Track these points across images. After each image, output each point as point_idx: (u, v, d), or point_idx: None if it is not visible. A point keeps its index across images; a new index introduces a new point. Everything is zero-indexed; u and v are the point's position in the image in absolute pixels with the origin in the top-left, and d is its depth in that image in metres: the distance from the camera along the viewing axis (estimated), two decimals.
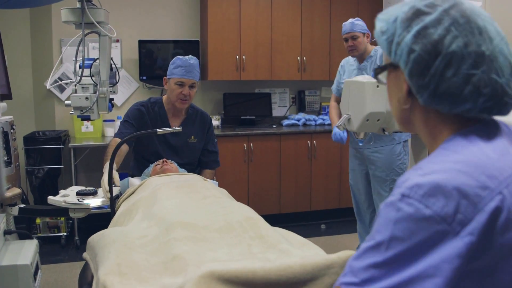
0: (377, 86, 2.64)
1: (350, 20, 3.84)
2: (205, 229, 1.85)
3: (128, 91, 5.45)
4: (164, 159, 3.02)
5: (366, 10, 5.71)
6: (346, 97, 2.82)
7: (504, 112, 1.02)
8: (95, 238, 1.97)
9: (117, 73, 2.63)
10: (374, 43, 3.93)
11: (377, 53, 3.76)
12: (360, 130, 2.75)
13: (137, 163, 3.28)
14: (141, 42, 5.30)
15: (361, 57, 3.88)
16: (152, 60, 5.38)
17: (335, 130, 3.68)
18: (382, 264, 0.90)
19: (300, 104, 6.04)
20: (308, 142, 5.35)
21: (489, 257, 0.89)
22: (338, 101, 3.88)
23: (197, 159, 3.34)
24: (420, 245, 0.87)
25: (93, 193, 2.63)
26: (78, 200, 2.54)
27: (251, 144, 5.15)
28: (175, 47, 5.41)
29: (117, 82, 2.64)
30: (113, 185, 2.48)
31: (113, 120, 5.20)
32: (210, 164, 3.37)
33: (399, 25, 1.03)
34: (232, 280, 1.33)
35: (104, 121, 5.18)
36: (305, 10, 5.59)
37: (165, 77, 3.23)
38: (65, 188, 2.80)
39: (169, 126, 3.13)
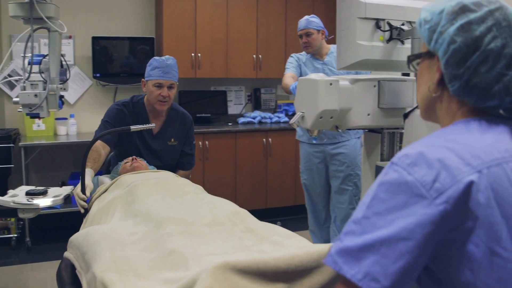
0: (331, 84, 2.66)
1: (306, 17, 3.88)
2: (194, 224, 1.87)
3: (81, 89, 5.35)
4: (134, 157, 2.99)
5: (322, 9, 5.76)
6: (300, 94, 2.84)
7: None
8: (79, 237, 1.95)
9: (67, 70, 2.58)
10: (329, 41, 3.98)
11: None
12: (313, 128, 2.77)
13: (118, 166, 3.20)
14: (94, 39, 5.21)
15: (319, 54, 3.90)
16: (106, 57, 5.30)
17: None
18: (361, 220, 0.99)
19: (256, 102, 6.05)
20: (264, 140, 5.37)
21: (464, 230, 0.96)
22: (294, 78, 3.88)
23: (177, 161, 3.30)
24: (398, 207, 0.96)
25: (43, 193, 2.58)
26: (28, 200, 2.48)
27: (207, 142, 5.14)
28: (130, 44, 5.34)
29: (67, 79, 2.58)
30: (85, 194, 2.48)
31: (66, 118, 5.10)
32: (185, 166, 3.35)
33: (444, 16, 1.11)
34: (244, 270, 1.37)
35: (57, 119, 5.07)
36: (261, 8, 5.60)
37: (143, 79, 3.16)
38: (14, 188, 2.73)
39: (151, 129, 3.08)
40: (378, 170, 2.74)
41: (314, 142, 3.50)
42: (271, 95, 6.05)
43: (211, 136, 5.17)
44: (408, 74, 2.69)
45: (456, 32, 1.08)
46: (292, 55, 4.13)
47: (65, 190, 2.67)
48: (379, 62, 2.71)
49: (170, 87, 3.07)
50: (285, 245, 1.64)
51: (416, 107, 2.58)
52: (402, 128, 2.66)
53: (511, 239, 0.97)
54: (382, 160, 2.86)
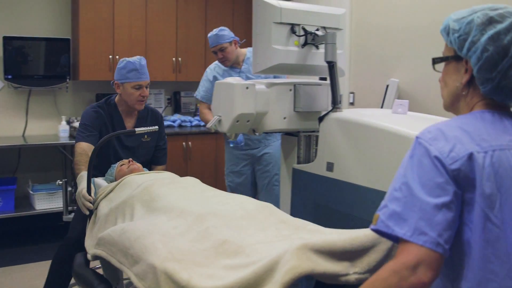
0: (247, 88, 2.68)
1: (214, 31, 3.81)
2: (231, 218, 1.96)
3: None
4: (130, 159, 3.05)
5: (241, 12, 5.79)
6: (217, 98, 2.84)
7: None
8: (113, 235, 2.01)
9: None
10: (243, 45, 3.98)
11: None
12: (230, 131, 2.77)
13: (98, 165, 3.11)
14: (6, 39, 4.98)
15: (237, 62, 3.90)
16: (19, 58, 5.06)
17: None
18: (400, 187, 1.23)
19: (175, 105, 6.00)
20: (184, 143, 5.33)
21: (469, 194, 1.20)
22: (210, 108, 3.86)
23: (151, 157, 3.34)
24: (426, 172, 1.20)
25: None
26: None
27: None
28: (45, 45, 5.14)
29: None
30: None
31: None
32: (161, 160, 3.40)
33: (474, 27, 1.29)
34: (320, 250, 1.54)
35: None
36: (181, 11, 5.56)
37: (116, 81, 3.16)
38: None
39: (125, 127, 3.16)
40: (295, 172, 2.78)
41: (231, 145, 3.51)
42: (191, 98, 6.01)
43: None
44: (325, 79, 2.74)
45: (488, 42, 1.27)
46: (208, 70, 4.04)
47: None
48: (294, 66, 2.76)
49: (146, 86, 3.17)
50: (324, 232, 1.79)
51: (331, 111, 2.64)
52: (318, 131, 2.72)
53: (500, 210, 1.21)
54: (298, 163, 2.90)
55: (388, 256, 1.60)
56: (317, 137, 2.74)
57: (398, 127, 2.29)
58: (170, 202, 2.20)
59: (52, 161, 5.35)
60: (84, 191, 2.55)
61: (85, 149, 2.91)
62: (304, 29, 2.72)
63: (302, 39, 2.73)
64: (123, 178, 2.73)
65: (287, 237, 1.79)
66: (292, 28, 2.69)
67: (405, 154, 2.15)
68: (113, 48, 5.24)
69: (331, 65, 2.60)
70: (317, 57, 2.78)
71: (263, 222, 1.93)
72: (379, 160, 2.33)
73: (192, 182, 2.58)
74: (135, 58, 3.10)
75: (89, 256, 2.22)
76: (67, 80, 5.19)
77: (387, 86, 4.08)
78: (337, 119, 2.57)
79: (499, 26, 1.27)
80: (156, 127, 2.78)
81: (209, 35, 3.80)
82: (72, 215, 3.17)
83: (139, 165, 3.05)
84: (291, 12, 2.68)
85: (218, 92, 2.82)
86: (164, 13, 5.48)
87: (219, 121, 2.78)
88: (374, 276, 1.22)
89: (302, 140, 2.90)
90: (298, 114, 2.84)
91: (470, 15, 1.32)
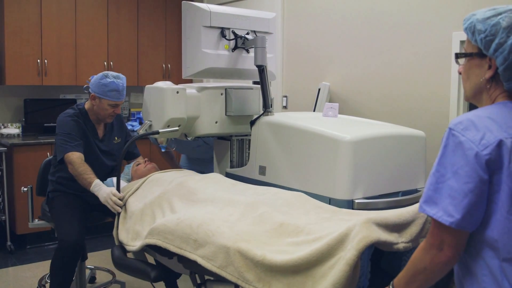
0: (177, 92, 2.65)
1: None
2: (274, 205, 2.15)
3: None
4: (146, 159, 3.28)
5: (174, 15, 5.73)
6: (147, 103, 2.80)
7: None
8: (169, 225, 2.19)
9: None
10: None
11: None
12: (162, 136, 2.74)
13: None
14: None
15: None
16: None
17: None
18: (435, 174, 1.39)
19: None
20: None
21: (498, 175, 1.34)
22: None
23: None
24: (457, 160, 1.35)
25: None
26: None
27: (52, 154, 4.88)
28: None
29: None
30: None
31: None
32: (137, 152, 3.49)
33: (501, 30, 1.40)
34: (379, 223, 1.78)
35: None
36: (112, 14, 5.45)
37: (93, 93, 3.06)
38: None
39: (97, 134, 3.22)
40: (228, 177, 2.77)
41: (163, 150, 3.46)
42: (124, 103, 5.90)
43: None
44: (258, 83, 2.74)
45: None
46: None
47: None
48: (225, 70, 2.75)
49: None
50: (359, 214, 1.96)
51: (262, 114, 2.65)
52: (250, 135, 2.72)
53: None
54: (232, 167, 2.90)
55: (423, 229, 1.89)
56: (249, 141, 2.74)
57: (328, 129, 2.32)
58: (212, 194, 2.39)
59: None
60: (115, 190, 2.70)
61: (80, 158, 2.96)
62: (234, 33, 2.72)
63: (232, 43, 2.72)
64: (148, 176, 2.85)
65: (329, 219, 1.99)
66: (222, 32, 2.68)
67: (335, 156, 2.20)
68: (41, 52, 5.07)
69: (261, 69, 2.61)
70: (248, 61, 2.79)
71: (302, 208, 2.13)
72: (309, 162, 2.35)
73: (219, 177, 2.69)
74: (119, 80, 3.07)
75: (133, 248, 2.41)
76: None
77: (319, 89, 4.14)
78: (268, 122, 2.58)
79: None
80: (177, 128, 2.75)
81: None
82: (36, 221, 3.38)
83: (154, 164, 3.23)
84: (221, 15, 2.67)
85: (148, 96, 2.77)
86: (94, 16, 5.35)
87: (150, 126, 2.75)
88: (412, 257, 1.45)
89: (234, 144, 2.90)
90: (230, 118, 2.84)
91: (494, 17, 1.43)
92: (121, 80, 3.09)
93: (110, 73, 3.08)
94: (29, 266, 4.28)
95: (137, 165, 3.24)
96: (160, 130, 2.64)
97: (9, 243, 4.65)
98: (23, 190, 3.45)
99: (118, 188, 2.73)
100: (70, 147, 2.98)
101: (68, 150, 2.97)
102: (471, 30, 1.47)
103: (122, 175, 3.16)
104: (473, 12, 1.49)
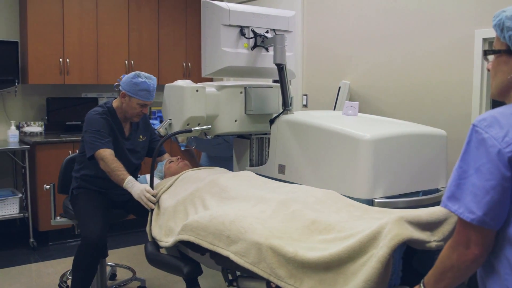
0: (197, 91, 2.66)
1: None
2: (306, 203, 2.15)
3: None
4: (178, 157, 3.33)
5: (195, 13, 5.74)
6: (167, 102, 2.82)
7: None
8: (202, 221, 2.21)
9: None
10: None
11: None
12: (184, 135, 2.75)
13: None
14: None
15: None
16: None
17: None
18: (458, 170, 1.38)
19: None
20: None
21: None
22: None
23: (146, 152, 3.46)
24: (480, 157, 1.33)
25: None
26: None
27: (77, 151, 4.93)
28: None
29: None
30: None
31: None
32: (163, 150, 3.53)
33: None
34: (411, 221, 1.79)
35: None
36: (132, 13, 5.49)
37: (123, 91, 3.10)
38: None
39: (123, 132, 3.25)
40: None
41: (182, 149, 3.47)
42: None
43: None
44: (278, 81, 2.74)
45: None
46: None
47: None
48: (244, 69, 2.75)
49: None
50: (392, 212, 1.97)
51: (281, 113, 2.65)
52: (269, 134, 2.72)
53: None
54: (251, 165, 2.90)
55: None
56: (269, 139, 2.74)
57: (348, 128, 2.31)
58: (244, 192, 2.40)
59: (1, 168, 5.20)
60: (148, 187, 2.74)
61: (113, 154, 3.00)
62: (253, 31, 2.71)
63: (251, 41, 2.72)
64: (181, 173, 2.89)
65: (360, 217, 2.01)
66: (242, 30, 2.68)
67: (354, 155, 2.18)
68: (63, 51, 5.12)
69: (280, 67, 2.60)
70: (267, 59, 2.78)
71: (334, 206, 2.14)
72: (329, 161, 2.34)
73: (251, 175, 2.70)
74: (151, 81, 3.10)
75: (166, 244, 2.44)
76: (16, 84, 5.05)
77: (339, 87, 4.12)
78: (287, 121, 2.57)
79: None
80: (209, 126, 2.82)
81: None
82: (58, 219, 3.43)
83: (187, 162, 3.29)
84: (240, 14, 2.67)
85: (168, 95, 2.79)
86: (115, 16, 5.39)
87: (170, 124, 2.76)
88: (440, 255, 1.44)
89: (254, 142, 2.90)
90: (249, 116, 2.84)
91: None
92: (152, 81, 3.12)
93: (142, 73, 3.10)
94: (51, 263, 4.33)
95: (170, 162, 3.29)
96: (193, 128, 2.66)
97: (31, 239, 4.71)
98: (46, 188, 3.48)
99: (151, 185, 2.74)
100: (101, 144, 3.00)
101: (99, 147, 2.99)
102: (500, 27, 1.45)
103: (155, 172, 3.17)
104: (503, 9, 1.47)
